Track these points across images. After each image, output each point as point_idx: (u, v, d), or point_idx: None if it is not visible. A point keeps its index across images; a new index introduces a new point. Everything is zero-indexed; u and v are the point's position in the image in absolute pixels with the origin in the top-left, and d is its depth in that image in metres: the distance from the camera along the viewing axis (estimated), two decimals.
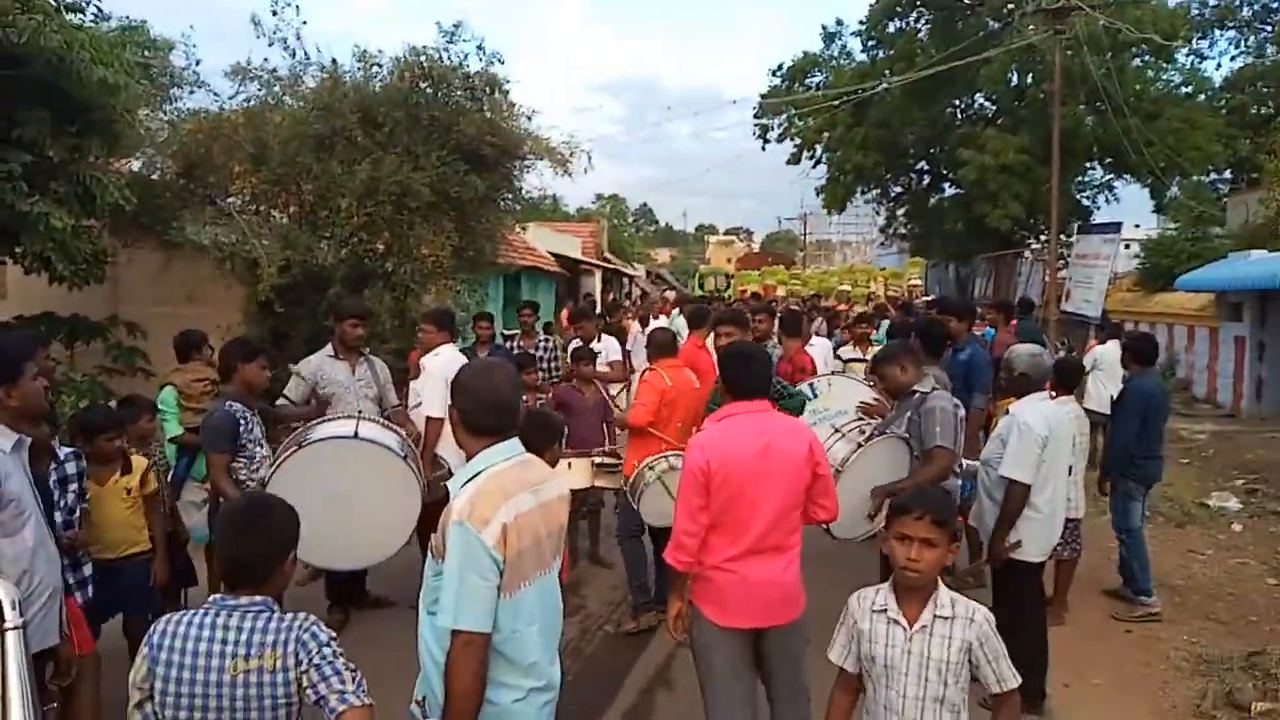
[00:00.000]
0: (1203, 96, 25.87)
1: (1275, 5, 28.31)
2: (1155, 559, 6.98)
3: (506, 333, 11.97)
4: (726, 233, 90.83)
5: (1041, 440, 4.36)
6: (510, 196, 11.23)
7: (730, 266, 44.17)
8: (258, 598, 2.15)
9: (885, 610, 2.61)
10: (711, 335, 6.24)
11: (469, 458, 2.48)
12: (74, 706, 3.40)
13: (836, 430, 4.73)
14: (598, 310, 15.69)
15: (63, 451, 3.72)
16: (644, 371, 5.69)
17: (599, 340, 8.82)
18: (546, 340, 9.90)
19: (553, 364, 9.32)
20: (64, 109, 7.50)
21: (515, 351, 9.02)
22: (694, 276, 44.97)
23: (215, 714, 2.05)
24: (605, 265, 30.24)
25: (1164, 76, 25.40)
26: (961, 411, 4.57)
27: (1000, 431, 4.57)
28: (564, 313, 15.07)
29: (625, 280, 33.97)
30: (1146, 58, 24.22)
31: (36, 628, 2.78)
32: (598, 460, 5.67)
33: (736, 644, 3.31)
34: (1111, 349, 9.16)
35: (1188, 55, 27.86)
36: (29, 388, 2.93)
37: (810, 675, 3.44)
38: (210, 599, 2.18)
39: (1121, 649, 5.34)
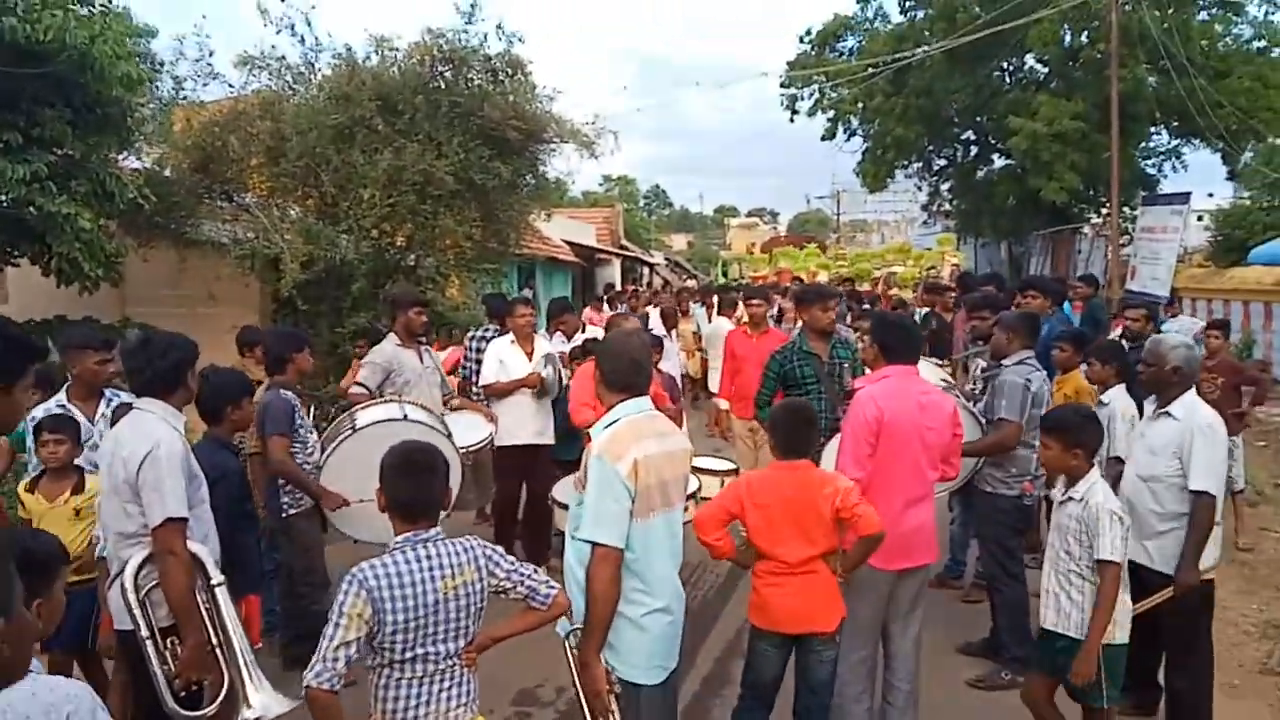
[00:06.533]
0: (1277, 51, 26.30)
1: None
2: (1227, 537, 7.62)
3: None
4: (749, 215, 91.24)
5: None
6: (534, 182, 11.93)
7: (756, 251, 44.75)
8: (435, 528, 2.83)
9: None
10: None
11: (608, 409, 3.26)
12: None
13: None
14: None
15: None
16: None
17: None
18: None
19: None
20: (81, 105, 8.22)
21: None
22: (716, 264, 45.71)
23: (434, 627, 2.74)
24: (624, 253, 30.90)
25: (1233, 31, 25.80)
26: (1034, 386, 5.10)
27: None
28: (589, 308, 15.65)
29: (645, 269, 34.66)
30: (1213, 10, 24.67)
31: None
32: None
33: (885, 584, 4.10)
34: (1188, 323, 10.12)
35: (1259, 6, 28.27)
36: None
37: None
38: (397, 539, 2.80)
39: None
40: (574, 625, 3.16)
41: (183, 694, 3.31)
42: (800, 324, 6.62)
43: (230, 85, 10.53)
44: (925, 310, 11.46)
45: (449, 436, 5.54)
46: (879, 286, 20.61)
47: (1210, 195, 27.54)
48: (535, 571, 2.92)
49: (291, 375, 5.48)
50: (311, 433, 5.50)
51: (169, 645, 3.32)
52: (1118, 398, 5.30)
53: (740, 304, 11.89)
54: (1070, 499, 3.89)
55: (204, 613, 3.31)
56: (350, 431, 5.39)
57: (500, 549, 2.92)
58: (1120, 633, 3.81)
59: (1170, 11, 22.07)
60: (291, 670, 4.61)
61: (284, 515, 5.36)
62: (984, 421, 5.20)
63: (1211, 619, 4.63)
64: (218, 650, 3.30)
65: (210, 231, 10.29)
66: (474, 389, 7.42)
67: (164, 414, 3.54)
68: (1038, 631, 4.05)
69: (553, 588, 2.90)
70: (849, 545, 3.75)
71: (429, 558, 2.76)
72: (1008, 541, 5.08)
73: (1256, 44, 25.96)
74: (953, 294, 10.35)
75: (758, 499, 3.77)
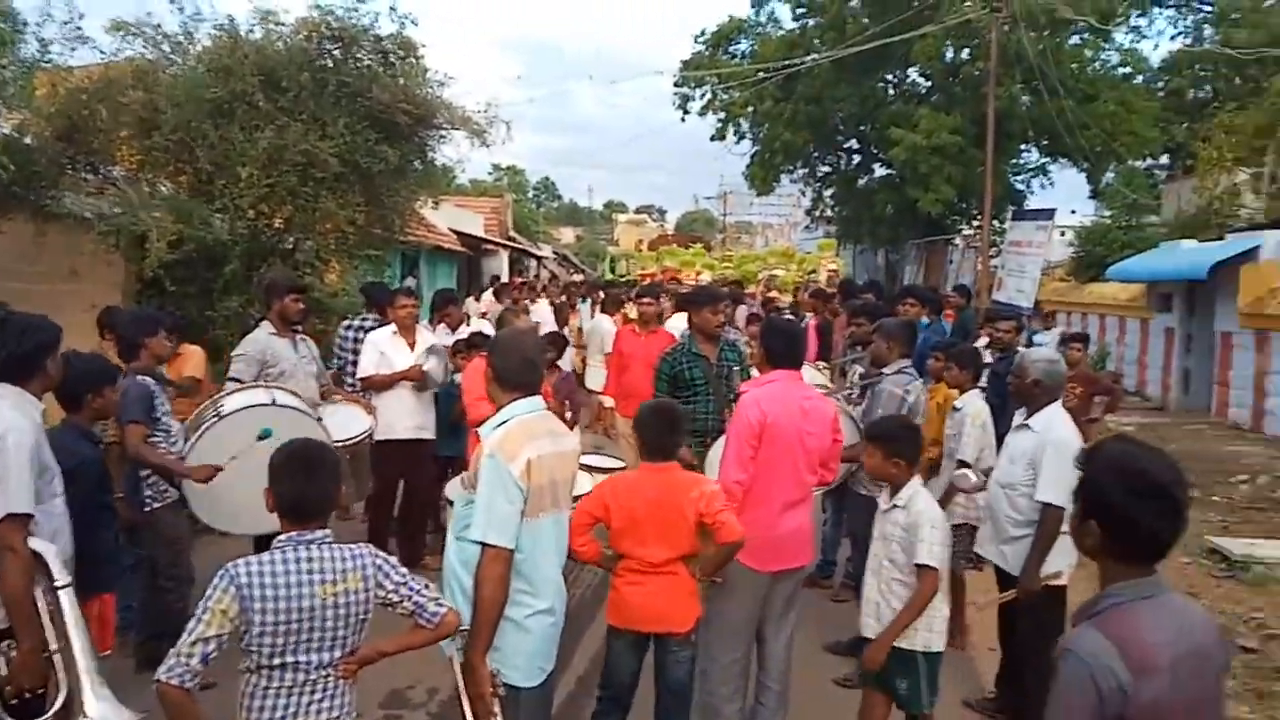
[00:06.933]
0: (1140, 78, 27.75)
1: None
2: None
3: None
4: (637, 211, 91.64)
5: None
6: (421, 168, 11.67)
7: (644, 248, 45.05)
8: (323, 530, 2.71)
9: None
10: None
11: (499, 408, 3.20)
12: None
13: None
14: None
15: None
16: None
17: None
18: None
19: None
20: None
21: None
22: (604, 259, 45.82)
23: (307, 634, 2.61)
24: (512, 245, 30.62)
25: (1101, 57, 27.13)
26: (911, 397, 5.27)
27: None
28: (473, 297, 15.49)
29: (533, 262, 34.42)
30: (1084, 36, 25.86)
31: None
32: None
33: (761, 585, 4.12)
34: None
35: (1126, 33, 29.77)
36: None
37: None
38: (281, 538, 2.68)
39: None
40: (460, 627, 3.11)
41: (14, 701, 3.10)
42: (687, 325, 6.66)
43: (101, 51, 9.94)
44: (808, 315, 11.68)
45: (319, 421, 5.38)
46: (760, 289, 20.94)
47: (1074, 212, 28.91)
48: (427, 587, 2.80)
49: (147, 360, 5.23)
50: (174, 420, 5.27)
51: (3, 649, 3.11)
52: (970, 402, 5.51)
53: (626, 302, 11.91)
54: (895, 506, 3.97)
55: (45, 616, 3.10)
56: (215, 419, 5.16)
57: (394, 560, 2.81)
58: (938, 641, 3.92)
59: (1045, 34, 23.02)
60: (145, 671, 4.38)
61: (147, 509, 5.12)
62: (862, 427, 5.34)
63: (1064, 623, 4.86)
64: (57, 656, 3.10)
65: (73, 204, 9.70)
66: (347, 380, 7.23)
67: (18, 401, 3.31)
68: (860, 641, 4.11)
69: (442, 606, 2.79)
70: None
71: (310, 560, 2.63)
72: None
73: (1122, 70, 27.39)
74: (837, 299, 10.61)
75: (622, 501, 3.75)
